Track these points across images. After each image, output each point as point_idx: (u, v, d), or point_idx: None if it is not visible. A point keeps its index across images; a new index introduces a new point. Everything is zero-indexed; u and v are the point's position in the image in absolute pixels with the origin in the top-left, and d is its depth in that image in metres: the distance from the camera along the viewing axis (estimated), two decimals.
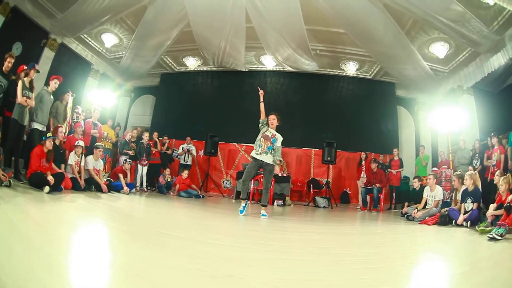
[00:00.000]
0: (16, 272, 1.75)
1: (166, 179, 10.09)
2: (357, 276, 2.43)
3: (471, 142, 9.94)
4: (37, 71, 7.14)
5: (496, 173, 6.67)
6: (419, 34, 10.01)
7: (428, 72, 11.22)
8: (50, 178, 5.95)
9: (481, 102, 11.01)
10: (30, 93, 6.80)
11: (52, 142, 6.61)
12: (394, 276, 2.53)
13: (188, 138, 11.74)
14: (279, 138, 6.08)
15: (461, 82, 11.17)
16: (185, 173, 10.05)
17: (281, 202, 9.58)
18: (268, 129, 6.07)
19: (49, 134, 6.75)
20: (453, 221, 6.26)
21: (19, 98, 6.57)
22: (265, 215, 5.83)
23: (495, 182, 6.34)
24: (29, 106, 6.81)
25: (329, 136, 11.42)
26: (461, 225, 6.04)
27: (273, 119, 6.10)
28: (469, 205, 6.27)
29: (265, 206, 6.05)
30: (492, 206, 5.59)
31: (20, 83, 6.62)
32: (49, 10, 9.30)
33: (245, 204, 6.01)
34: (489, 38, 8.66)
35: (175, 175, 10.97)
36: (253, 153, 6.04)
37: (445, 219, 6.39)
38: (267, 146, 5.92)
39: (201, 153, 12.52)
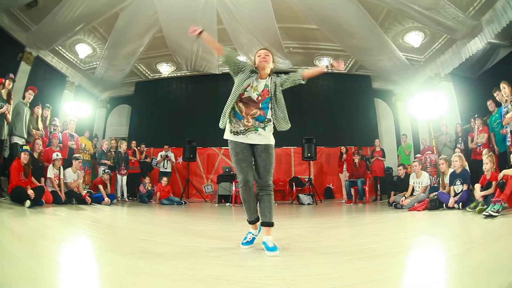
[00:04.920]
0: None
1: (146, 187, 10.45)
2: (353, 266, 2.47)
3: (452, 127, 10.31)
4: (13, 81, 7.39)
5: (483, 152, 7.00)
6: (393, 25, 10.30)
7: (403, 62, 11.61)
8: (30, 192, 6.19)
9: (460, 88, 11.40)
10: (7, 105, 7.14)
11: (27, 156, 6.75)
12: (392, 262, 2.57)
13: (166, 147, 12.09)
14: (282, 81, 3.46)
15: (438, 69, 11.58)
16: (164, 181, 10.44)
17: None
18: (253, 78, 3.34)
19: (25, 147, 6.94)
20: (444, 204, 6.52)
21: None
22: (274, 249, 2.92)
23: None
24: (6, 117, 7.05)
25: (322, 130, 11.75)
26: (452, 208, 6.30)
27: (264, 54, 3.39)
28: (459, 187, 6.51)
29: (270, 225, 3.16)
30: (478, 187, 5.82)
31: None
32: (25, 23, 9.54)
33: (256, 234, 3.36)
34: (465, 23, 8.96)
35: (155, 183, 11.25)
36: (227, 134, 3.36)
37: (435, 203, 6.67)
38: (253, 116, 3.27)
39: (180, 159, 12.81)
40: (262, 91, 3.30)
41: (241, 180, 3.23)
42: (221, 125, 3.31)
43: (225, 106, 3.25)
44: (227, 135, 3.32)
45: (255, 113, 3.24)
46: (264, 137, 3.25)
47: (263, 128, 3.26)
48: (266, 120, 3.29)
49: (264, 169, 3.22)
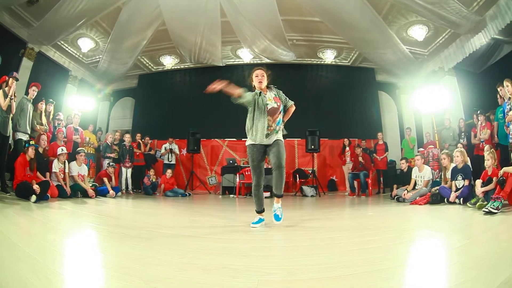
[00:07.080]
0: (10, 282, 1.83)
1: (151, 180, 10.51)
2: (354, 257, 2.53)
3: (455, 122, 10.32)
4: (16, 79, 7.32)
5: (485, 148, 7.14)
6: (397, 18, 10.23)
7: (407, 56, 11.55)
8: (35, 186, 6.21)
9: (463, 83, 11.41)
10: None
11: (34, 150, 6.79)
12: (392, 253, 2.63)
13: (170, 139, 12.13)
14: (283, 96, 4.29)
15: (442, 63, 11.56)
16: (168, 173, 10.53)
17: (268, 194, 9.67)
18: (262, 97, 4.07)
19: (31, 142, 6.99)
20: (445, 199, 6.58)
21: (1, 102, 6.83)
22: (279, 217, 4.15)
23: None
24: (11, 115, 7.05)
25: (323, 127, 11.90)
26: (453, 203, 6.35)
27: (261, 74, 4.17)
28: (460, 182, 6.55)
29: (279, 196, 4.13)
30: (479, 182, 5.84)
31: (0, 91, 6.91)
32: (26, 19, 9.53)
33: (263, 218, 4.19)
34: (469, 18, 8.93)
35: (159, 175, 11.31)
36: (248, 141, 4.12)
37: (437, 198, 6.73)
38: (276, 121, 4.05)
39: (184, 151, 12.81)
40: (274, 98, 4.13)
41: (254, 183, 4.10)
42: (248, 142, 4.12)
43: (251, 126, 4.03)
44: (249, 142, 4.09)
45: (278, 117, 4.07)
46: (278, 136, 4.06)
47: (279, 129, 4.11)
48: (281, 123, 4.13)
49: (278, 154, 3.95)
